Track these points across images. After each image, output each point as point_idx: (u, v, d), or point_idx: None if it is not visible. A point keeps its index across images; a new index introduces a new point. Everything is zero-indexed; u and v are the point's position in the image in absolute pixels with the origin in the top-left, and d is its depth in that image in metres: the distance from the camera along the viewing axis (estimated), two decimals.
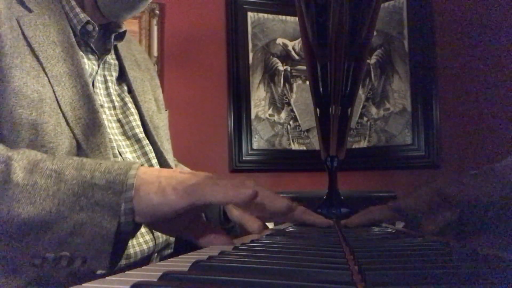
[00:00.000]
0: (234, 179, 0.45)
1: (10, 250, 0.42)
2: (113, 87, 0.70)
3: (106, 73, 0.70)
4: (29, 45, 0.56)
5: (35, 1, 0.60)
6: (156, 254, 0.65)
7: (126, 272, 0.29)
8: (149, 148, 0.70)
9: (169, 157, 0.75)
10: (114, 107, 0.69)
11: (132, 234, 0.46)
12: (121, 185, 0.42)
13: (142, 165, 0.46)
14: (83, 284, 0.24)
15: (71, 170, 0.43)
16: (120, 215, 0.42)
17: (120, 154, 0.64)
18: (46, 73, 0.56)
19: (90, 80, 0.63)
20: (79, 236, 0.41)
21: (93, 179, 0.42)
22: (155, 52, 1.70)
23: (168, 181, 0.43)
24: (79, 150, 0.57)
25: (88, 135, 0.57)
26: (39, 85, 0.55)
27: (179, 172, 0.46)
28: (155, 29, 1.71)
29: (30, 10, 0.59)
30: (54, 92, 0.56)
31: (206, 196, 0.42)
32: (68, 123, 0.56)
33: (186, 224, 0.47)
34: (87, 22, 0.64)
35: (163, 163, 0.72)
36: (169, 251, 0.70)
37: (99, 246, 0.42)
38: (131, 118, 0.69)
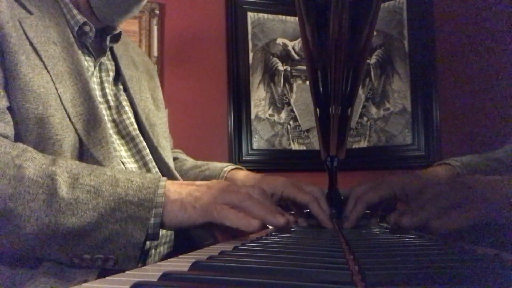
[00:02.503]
0: (246, 188, 0.54)
1: (53, 252, 0.48)
2: (109, 87, 0.72)
3: (103, 74, 0.72)
4: (31, 44, 0.59)
5: (35, 4, 0.63)
6: (154, 250, 0.66)
7: (126, 272, 0.29)
8: (142, 145, 0.71)
9: (166, 154, 0.76)
10: (110, 107, 0.71)
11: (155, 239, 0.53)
12: (151, 202, 0.50)
13: (147, 170, 0.51)
14: (83, 284, 0.24)
15: (107, 187, 0.50)
16: (148, 228, 0.49)
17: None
18: (48, 71, 0.59)
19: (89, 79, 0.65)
20: (113, 243, 0.48)
21: (127, 197, 0.49)
22: (155, 52, 1.70)
23: (189, 199, 0.52)
24: (82, 145, 0.59)
25: (90, 130, 0.60)
26: (44, 81, 0.58)
27: (196, 186, 0.54)
28: (155, 29, 1.71)
29: (30, 13, 0.61)
30: (56, 89, 0.58)
31: (222, 219, 0.50)
32: (70, 119, 0.59)
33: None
34: (84, 23, 0.67)
35: (157, 159, 0.73)
36: (169, 250, 0.71)
37: (129, 252, 0.49)
38: (124, 116, 0.71)
